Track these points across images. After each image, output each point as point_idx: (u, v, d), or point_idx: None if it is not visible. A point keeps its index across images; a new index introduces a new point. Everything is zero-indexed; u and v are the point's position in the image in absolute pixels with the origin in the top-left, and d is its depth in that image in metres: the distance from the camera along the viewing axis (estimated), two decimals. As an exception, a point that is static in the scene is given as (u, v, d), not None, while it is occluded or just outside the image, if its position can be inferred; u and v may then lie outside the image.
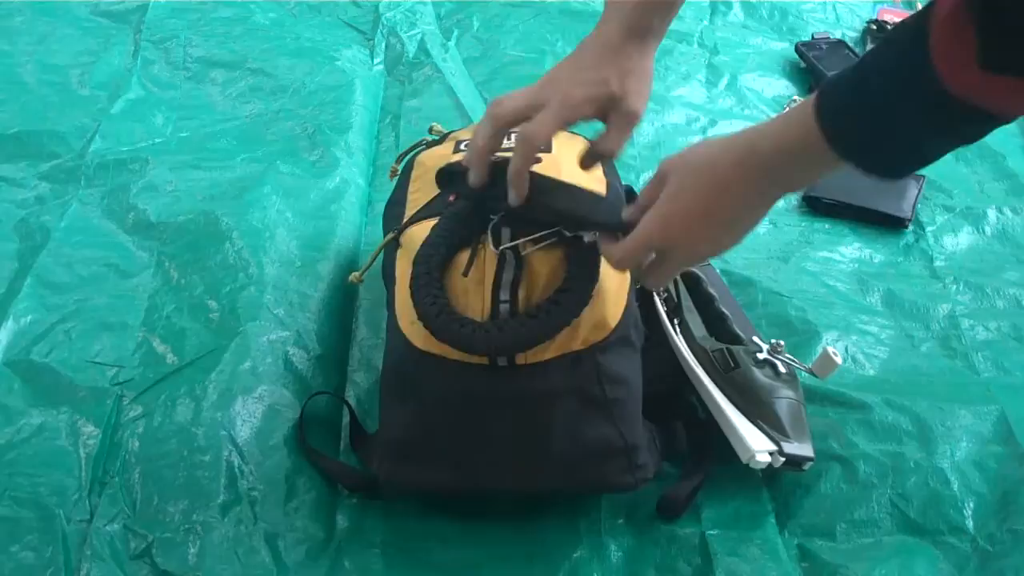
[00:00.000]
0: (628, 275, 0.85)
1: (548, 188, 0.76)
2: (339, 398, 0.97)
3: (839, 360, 0.89)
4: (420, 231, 0.84)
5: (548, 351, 0.79)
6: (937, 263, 1.16)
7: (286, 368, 0.98)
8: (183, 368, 0.97)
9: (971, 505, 0.89)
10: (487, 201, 0.78)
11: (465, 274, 0.79)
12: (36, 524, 0.85)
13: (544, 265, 0.79)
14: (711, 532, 0.87)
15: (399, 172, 1.02)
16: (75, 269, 1.09)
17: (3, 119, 1.29)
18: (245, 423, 0.92)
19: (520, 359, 0.79)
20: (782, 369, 0.92)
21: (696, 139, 1.34)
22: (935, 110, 0.58)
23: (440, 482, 0.84)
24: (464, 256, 0.80)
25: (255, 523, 0.86)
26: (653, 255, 0.74)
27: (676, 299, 0.98)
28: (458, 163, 0.80)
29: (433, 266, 0.79)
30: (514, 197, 0.74)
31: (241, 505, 0.87)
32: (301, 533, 0.87)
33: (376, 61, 1.47)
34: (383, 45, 1.49)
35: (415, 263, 0.80)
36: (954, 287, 1.13)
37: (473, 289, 0.79)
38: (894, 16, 1.54)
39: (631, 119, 0.76)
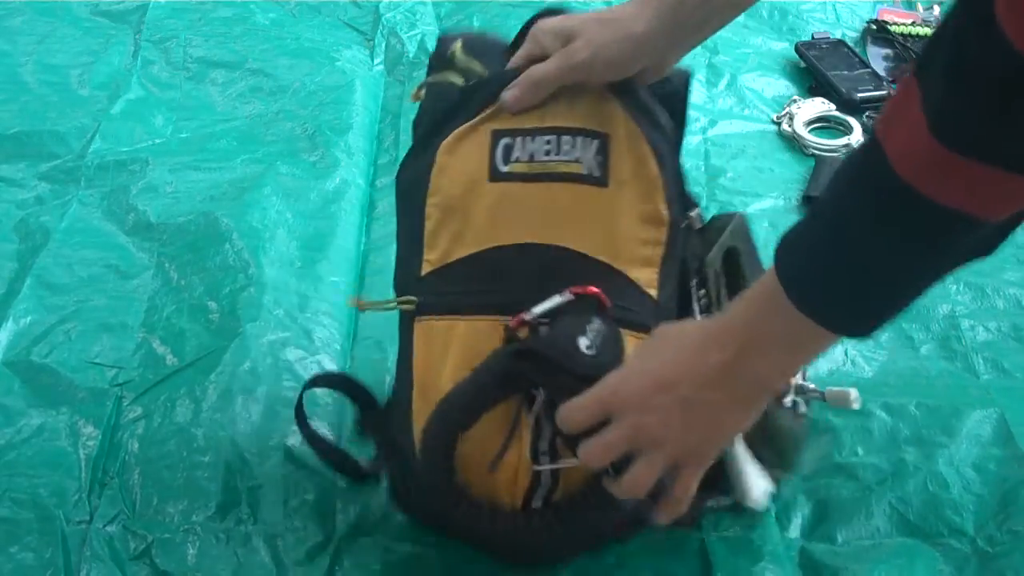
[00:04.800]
0: None
1: None
2: (341, 376, 0.94)
3: (856, 406, 0.82)
4: (441, 325, 0.77)
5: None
6: (937, 264, 1.16)
7: (286, 369, 0.98)
8: (183, 369, 0.98)
9: (971, 507, 0.89)
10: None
11: (492, 468, 0.73)
12: (35, 525, 0.85)
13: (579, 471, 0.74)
14: (711, 535, 0.87)
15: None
16: (75, 270, 1.09)
17: (3, 119, 1.29)
18: (245, 424, 0.92)
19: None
20: (802, 410, 0.85)
21: (696, 139, 1.33)
22: (895, 215, 0.50)
23: None
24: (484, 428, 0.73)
25: (255, 523, 0.86)
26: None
27: (717, 300, 0.86)
28: None
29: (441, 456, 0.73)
30: None
31: (241, 505, 0.87)
32: (301, 533, 0.87)
33: (376, 61, 1.47)
34: (383, 45, 1.49)
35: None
36: (954, 287, 1.12)
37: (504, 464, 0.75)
38: (894, 16, 1.53)
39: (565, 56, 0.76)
